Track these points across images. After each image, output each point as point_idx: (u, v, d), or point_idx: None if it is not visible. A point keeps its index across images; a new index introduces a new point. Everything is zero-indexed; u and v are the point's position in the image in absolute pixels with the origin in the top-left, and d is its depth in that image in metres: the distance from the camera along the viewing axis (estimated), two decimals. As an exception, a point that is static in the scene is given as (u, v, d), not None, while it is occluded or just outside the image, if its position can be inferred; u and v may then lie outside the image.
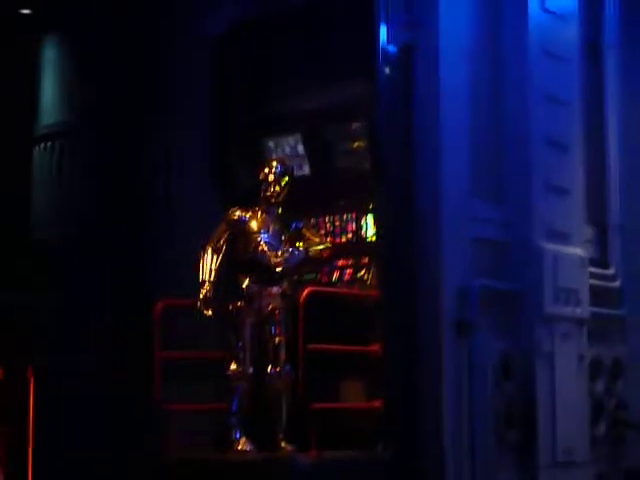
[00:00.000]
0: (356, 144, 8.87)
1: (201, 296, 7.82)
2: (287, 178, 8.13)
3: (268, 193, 8.10)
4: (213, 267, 7.89)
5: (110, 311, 9.38)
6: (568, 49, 9.34)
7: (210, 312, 7.83)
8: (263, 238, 8.04)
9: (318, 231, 8.93)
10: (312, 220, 9.11)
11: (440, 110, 8.15)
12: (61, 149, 9.66)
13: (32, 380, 10.00)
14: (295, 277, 8.35)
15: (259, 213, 8.13)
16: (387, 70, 8.07)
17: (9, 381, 11.76)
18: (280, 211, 8.15)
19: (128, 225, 9.46)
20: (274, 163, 8.21)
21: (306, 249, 8.07)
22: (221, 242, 7.99)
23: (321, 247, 8.16)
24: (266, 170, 8.12)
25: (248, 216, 8.09)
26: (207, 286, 7.84)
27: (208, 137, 9.49)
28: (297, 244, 8.15)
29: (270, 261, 7.98)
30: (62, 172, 9.67)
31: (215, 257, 7.92)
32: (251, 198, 8.26)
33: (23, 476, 10.23)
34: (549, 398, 8.61)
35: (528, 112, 8.79)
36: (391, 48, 8.14)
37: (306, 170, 9.21)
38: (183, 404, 8.36)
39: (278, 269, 7.93)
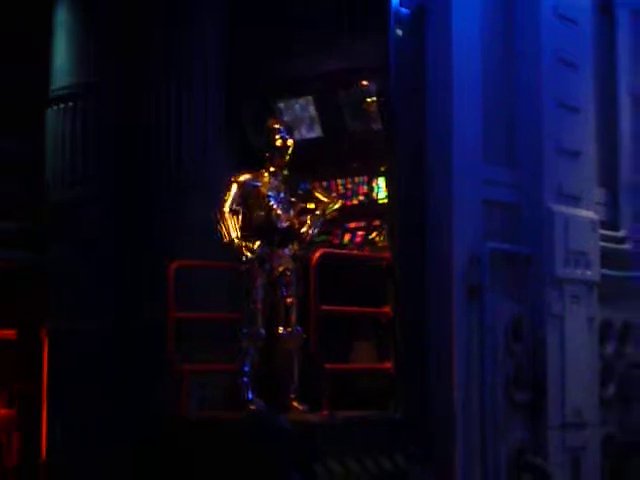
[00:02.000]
0: (368, 106, 8.85)
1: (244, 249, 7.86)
2: (290, 142, 8.13)
3: (275, 156, 8.12)
4: (237, 226, 7.93)
5: (125, 271, 9.43)
6: (580, 11, 9.31)
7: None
8: (274, 201, 8.07)
9: (330, 193, 8.94)
10: (324, 183, 9.11)
11: (452, 72, 8.15)
12: (74, 110, 9.67)
13: (46, 341, 10.08)
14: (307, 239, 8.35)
15: (267, 176, 8.15)
16: (399, 32, 8.06)
17: (23, 342, 11.89)
18: (286, 173, 8.16)
19: (142, 185, 9.49)
20: (277, 126, 8.20)
21: (323, 213, 8.08)
22: (236, 205, 8.02)
23: (336, 206, 8.16)
24: (272, 133, 8.13)
25: (256, 178, 8.12)
26: (238, 242, 7.86)
27: (220, 99, 9.48)
28: (308, 205, 8.19)
29: (283, 223, 8.03)
30: (76, 133, 9.69)
31: (235, 217, 7.97)
32: (261, 160, 8.27)
33: (37, 438, 10.35)
34: (559, 360, 8.67)
35: (540, 75, 8.78)
36: (403, 10, 8.13)
37: (318, 132, 9.20)
38: (196, 364, 8.43)
39: (307, 238, 7.96)
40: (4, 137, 11.32)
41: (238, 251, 7.90)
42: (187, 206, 9.28)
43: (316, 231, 8.02)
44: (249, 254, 7.88)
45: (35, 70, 10.23)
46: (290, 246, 8.05)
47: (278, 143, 8.10)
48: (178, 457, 7.78)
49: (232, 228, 7.92)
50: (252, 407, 7.83)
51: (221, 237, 7.94)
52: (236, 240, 7.90)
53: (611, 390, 9.42)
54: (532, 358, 8.56)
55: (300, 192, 8.23)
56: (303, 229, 8.01)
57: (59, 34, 9.83)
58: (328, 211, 8.12)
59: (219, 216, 7.96)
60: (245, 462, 7.38)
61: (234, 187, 8.07)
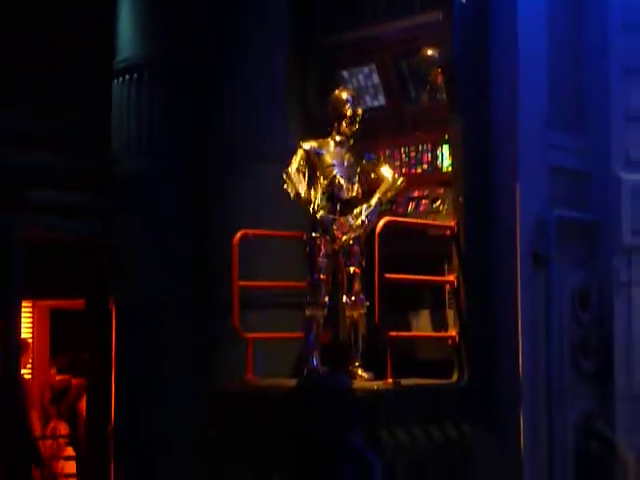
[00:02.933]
0: (431, 75, 8.78)
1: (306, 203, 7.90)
2: (360, 111, 8.12)
3: (344, 125, 8.11)
4: (304, 182, 7.96)
5: (189, 242, 9.51)
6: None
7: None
8: (338, 169, 8.07)
9: (393, 162, 8.92)
10: (387, 151, 9.07)
11: (517, 39, 8.09)
12: (140, 82, 9.74)
13: (113, 310, 10.23)
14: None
15: (332, 145, 8.14)
16: (463, -1, 8.01)
17: (91, 312, 12.09)
18: (352, 143, 8.15)
19: (209, 157, 9.54)
20: (345, 94, 8.18)
21: (380, 200, 8.04)
22: (301, 167, 8.04)
23: (397, 184, 8.11)
24: (340, 102, 8.12)
25: (321, 147, 8.12)
26: (305, 197, 7.92)
27: (283, 68, 9.47)
28: (371, 176, 8.18)
29: (346, 193, 8.02)
30: (141, 105, 9.76)
31: (302, 177, 7.99)
32: (324, 129, 8.27)
33: (106, 405, 10.52)
34: (626, 329, 8.59)
35: (607, 39, 8.70)
36: (467, -23, 8.07)
37: (381, 100, 9.15)
38: (261, 333, 8.48)
39: (362, 229, 7.93)
40: (71, 111, 11.48)
41: (304, 206, 7.93)
42: (255, 178, 9.31)
43: (373, 220, 7.94)
44: (318, 212, 7.88)
45: (100, 42, 10.32)
46: (354, 215, 8.02)
47: (348, 113, 8.09)
48: (241, 422, 7.84)
49: (299, 184, 7.95)
50: (311, 369, 7.85)
51: (288, 195, 7.97)
52: (303, 195, 7.93)
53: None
54: (599, 327, 8.50)
55: (365, 163, 8.22)
56: (365, 204, 7.97)
57: (124, 5, 9.89)
58: (390, 193, 8.09)
59: (285, 176, 7.99)
60: (304, 424, 7.41)
61: (299, 152, 8.09)
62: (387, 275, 7.67)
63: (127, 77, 9.79)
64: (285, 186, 7.99)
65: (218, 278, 9.04)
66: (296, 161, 8.03)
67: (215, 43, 9.57)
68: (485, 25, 8.18)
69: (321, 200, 8.05)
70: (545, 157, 8.27)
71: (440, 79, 8.66)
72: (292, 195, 7.98)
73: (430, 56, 8.80)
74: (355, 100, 8.18)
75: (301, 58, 9.37)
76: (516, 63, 8.06)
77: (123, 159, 9.98)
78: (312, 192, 8.03)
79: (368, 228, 7.92)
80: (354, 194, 8.09)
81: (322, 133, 8.25)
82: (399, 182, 8.11)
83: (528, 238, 8.06)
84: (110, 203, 10.27)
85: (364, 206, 7.96)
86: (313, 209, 7.98)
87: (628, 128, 8.81)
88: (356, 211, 7.97)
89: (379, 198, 8.01)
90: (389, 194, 8.10)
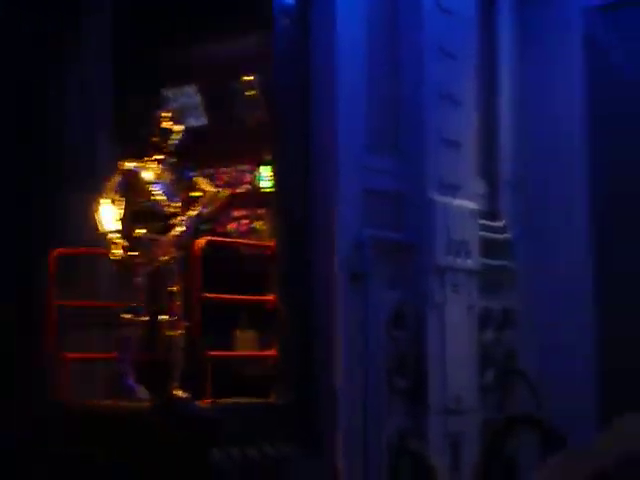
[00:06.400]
0: (253, 95, 8.89)
1: (113, 245, 7.81)
2: (179, 128, 8.13)
3: (162, 143, 8.11)
4: (115, 217, 7.88)
5: (14, 258, 9.27)
6: (464, 4, 9.48)
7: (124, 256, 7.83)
8: (157, 188, 8.05)
9: (215, 181, 8.96)
10: (209, 171, 9.11)
11: (336, 62, 8.23)
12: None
13: None
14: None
15: (153, 163, 8.12)
16: (284, 21, 8.10)
17: None
18: (174, 161, 8.15)
19: (30, 174, 9.34)
20: (164, 113, 8.20)
21: (201, 213, 8.05)
22: (118, 193, 7.98)
23: (221, 195, 8.12)
24: (159, 120, 8.12)
25: (141, 166, 8.09)
26: (114, 236, 7.83)
27: (108, 89, 9.38)
28: (193, 193, 8.19)
29: (165, 210, 8.01)
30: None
31: (114, 208, 7.92)
32: (148, 149, 8.23)
33: None
34: (439, 347, 8.83)
35: (422, 66, 8.93)
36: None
37: (203, 121, 9.20)
38: (80, 353, 8.35)
39: (181, 242, 7.91)
40: None
41: (109, 244, 7.85)
42: (79, 195, 9.15)
43: (191, 230, 7.95)
44: (118, 250, 7.82)
45: None
46: (174, 234, 8.00)
47: (170, 131, 8.10)
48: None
49: (107, 219, 7.88)
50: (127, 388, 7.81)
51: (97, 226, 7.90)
52: (108, 233, 7.87)
53: (490, 376, 9.64)
54: (414, 345, 8.70)
55: (185, 180, 8.22)
56: (185, 216, 7.97)
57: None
58: (212, 202, 8.10)
59: (95, 206, 7.91)
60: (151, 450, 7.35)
61: (118, 175, 8.03)
62: (205, 295, 7.68)
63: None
64: (95, 216, 7.90)
65: (39, 296, 8.84)
66: (111, 187, 7.97)
67: (38, 58, 9.38)
68: (305, 47, 8.28)
69: (141, 219, 8.00)
70: (363, 179, 8.42)
71: (261, 101, 8.76)
72: (100, 229, 7.92)
73: (252, 79, 8.91)
74: (177, 119, 8.19)
75: (125, 76, 9.31)
76: (334, 86, 8.19)
77: None
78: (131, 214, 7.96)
79: (186, 239, 7.89)
80: (175, 211, 8.09)
81: (145, 151, 8.22)
82: (220, 194, 8.14)
83: (345, 258, 8.20)
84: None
85: (184, 217, 7.95)
86: (120, 241, 7.90)
87: (442, 153, 9.08)
88: (176, 229, 7.96)
89: (200, 210, 8.02)
90: (210, 207, 8.10)
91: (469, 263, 9.21)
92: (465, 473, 8.81)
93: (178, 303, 7.97)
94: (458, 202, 9.16)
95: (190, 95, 9.33)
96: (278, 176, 8.44)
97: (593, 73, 10.21)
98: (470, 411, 9.11)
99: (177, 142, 8.09)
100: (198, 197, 8.12)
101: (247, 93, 8.89)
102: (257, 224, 8.80)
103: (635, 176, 10.12)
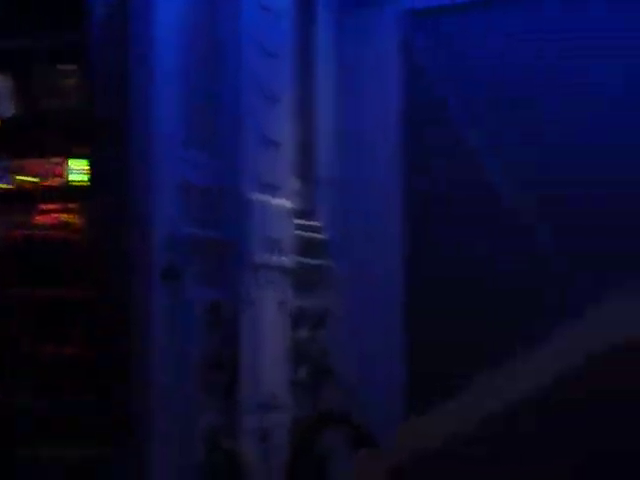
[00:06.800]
0: (67, 85, 8.64)
1: None
2: None
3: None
4: None
5: None
6: (283, 2, 9.51)
7: None
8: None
9: (25, 173, 8.67)
10: (20, 162, 8.81)
11: (155, 52, 8.11)
12: None
13: None
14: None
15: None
16: (102, 9, 7.94)
17: None
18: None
19: None
20: None
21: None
22: None
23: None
24: None
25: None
26: None
27: None
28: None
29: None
30: None
31: None
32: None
33: None
34: (253, 344, 8.83)
35: (240, 63, 8.89)
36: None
37: (11, 111, 8.88)
38: None
39: None
40: None
41: None
42: None
43: None
44: None
45: None
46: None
47: None
48: None
49: None
50: None
51: None
52: None
53: (303, 374, 9.70)
54: (229, 343, 8.67)
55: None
56: None
57: None
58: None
59: None
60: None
61: None
62: (10, 291, 7.42)
63: None
64: None
65: None
66: None
67: None
68: (123, 38, 8.11)
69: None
70: (179, 174, 8.32)
71: (75, 90, 8.54)
72: None
73: (68, 71, 8.68)
74: None
75: None
76: (152, 80, 8.07)
77: None
78: None
79: None
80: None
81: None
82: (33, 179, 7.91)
83: (160, 254, 8.07)
84: None
85: None
86: None
87: (259, 151, 9.08)
88: None
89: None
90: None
91: (283, 261, 9.24)
92: (277, 470, 8.82)
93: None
94: (276, 201, 9.19)
95: (1, 85, 8.97)
96: (94, 167, 8.24)
97: (409, 76, 10.39)
98: (283, 408, 9.15)
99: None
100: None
101: (61, 83, 8.61)
102: (67, 217, 8.54)
103: (446, 179, 10.32)
